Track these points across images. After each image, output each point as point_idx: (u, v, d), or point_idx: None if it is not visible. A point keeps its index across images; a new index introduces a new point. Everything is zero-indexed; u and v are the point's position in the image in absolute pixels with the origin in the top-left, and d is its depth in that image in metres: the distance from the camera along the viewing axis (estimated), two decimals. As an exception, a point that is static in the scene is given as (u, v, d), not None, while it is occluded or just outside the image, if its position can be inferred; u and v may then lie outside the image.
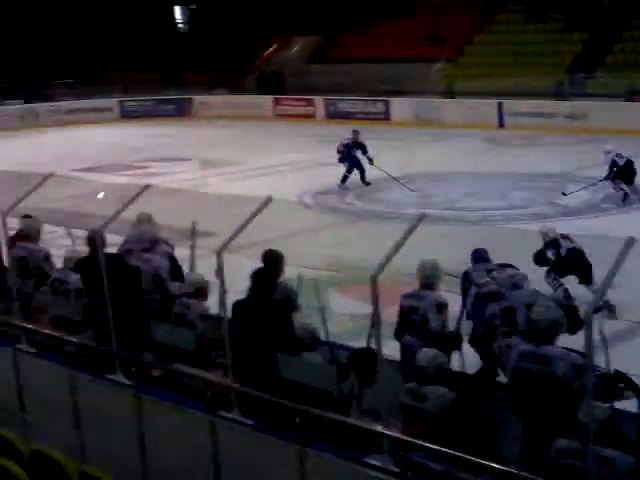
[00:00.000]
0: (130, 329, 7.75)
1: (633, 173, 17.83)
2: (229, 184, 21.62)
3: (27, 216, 9.34)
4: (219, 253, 6.84)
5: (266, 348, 6.88)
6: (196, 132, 35.10)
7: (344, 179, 21.19)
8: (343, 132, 22.68)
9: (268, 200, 6.88)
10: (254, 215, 6.82)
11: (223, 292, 7.22)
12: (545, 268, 11.18)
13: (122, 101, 41.87)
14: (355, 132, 21.48)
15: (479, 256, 9.10)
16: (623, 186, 17.85)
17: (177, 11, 51.93)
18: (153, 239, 8.79)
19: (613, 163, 17.76)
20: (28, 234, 9.19)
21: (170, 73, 43.96)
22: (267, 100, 39.86)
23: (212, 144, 29.86)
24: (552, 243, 11.28)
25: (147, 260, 8.50)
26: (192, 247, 9.22)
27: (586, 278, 10.91)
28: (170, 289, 8.39)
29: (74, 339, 7.41)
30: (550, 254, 11.23)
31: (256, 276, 7.31)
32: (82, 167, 24.64)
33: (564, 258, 11.16)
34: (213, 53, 43.59)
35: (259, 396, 6.43)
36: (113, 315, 7.48)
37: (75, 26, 44.21)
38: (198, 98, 41.76)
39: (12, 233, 9.00)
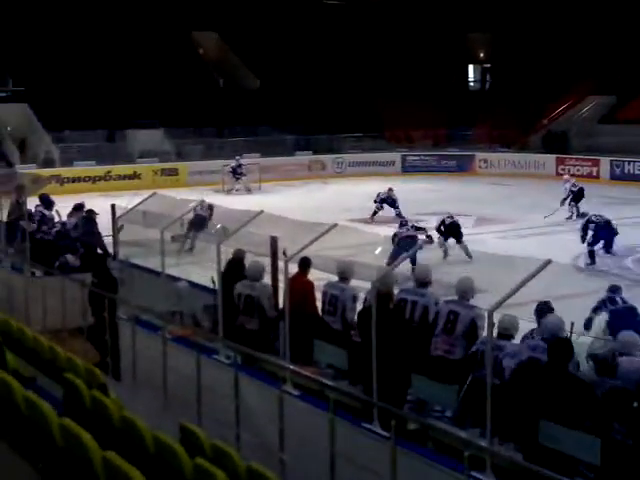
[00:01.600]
0: (393, 380, 7.82)
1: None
2: (503, 242, 21.37)
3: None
4: (492, 312, 6.78)
5: (534, 415, 6.65)
6: (476, 188, 35.06)
7: (374, 214, 26.54)
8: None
9: (546, 263, 6.75)
10: (531, 277, 6.70)
11: (491, 350, 7.10)
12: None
13: (405, 155, 42.75)
14: (390, 190, 26.97)
15: (402, 224, 19.43)
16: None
17: (470, 69, 52.67)
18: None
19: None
20: (343, 275, 9.58)
21: (455, 130, 44.48)
22: (550, 159, 39.18)
23: (491, 201, 29.71)
24: (442, 222, 20.55)
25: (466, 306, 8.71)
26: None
27: (458, 239, 19.93)
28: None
29: (335, 385, 7.55)
30: (441, 227, 20.48)
31: (554, 346, 7.08)
32: (360, 218, 25.33)
33: (448, 226, 20.40)
34: (500, 111, 43.65)
35: (516, 462, 6.24)
36: (379, 365, 7.58)
37: (363, 85, 45.93)
38: (480, 155, 41.83)
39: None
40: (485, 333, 8.03)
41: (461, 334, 8.51)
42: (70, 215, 16.29)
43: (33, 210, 15.85)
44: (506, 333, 7.86)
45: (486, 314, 8.40)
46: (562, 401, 6.63)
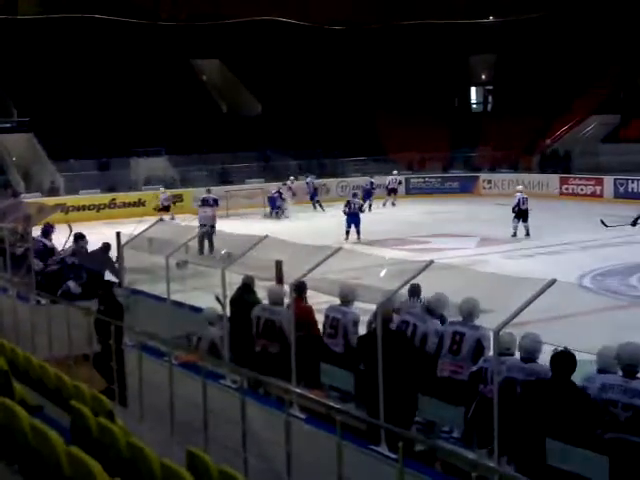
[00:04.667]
0: (399, 402, 7.80)
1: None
2: (507, 261, 21.40)
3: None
4: (498, 332, 6.77)
5: (539, 432, 6.63)
6: (479, 209, 35.11)
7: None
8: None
9: (551, 282, 6.74)
10: (536, 297, 6.69)
11: (497, 373, 7.08)
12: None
13: (408, 178, 42.83)
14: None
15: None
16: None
17: (473, 91, 52.93)
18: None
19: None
20: (345, 298, 9.59)
21: (458, 151, 44.60)
22: (553, 179, 39.28)
23: (494, 221, 29.71)
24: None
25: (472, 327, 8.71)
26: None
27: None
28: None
29: (342, 407, 7.53)
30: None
31: (556, 359, 7.08)
32: (364, 240, 25.37)
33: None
34: (503, 132, 43.79)
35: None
36: (384, 387, 7.56)
37: (366, 109, 46.12)
38: (483, 176, 41.92)
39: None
40: (491, 352, 8.04)
41: (467, 355, 8.49)
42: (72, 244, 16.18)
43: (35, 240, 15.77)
44: (508, 352, 7.85)
45: (491, 334, 8.43)
46: (569, 416, 6.63)
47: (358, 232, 26.70)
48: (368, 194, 35.80)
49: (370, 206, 34.51)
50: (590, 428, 6.70)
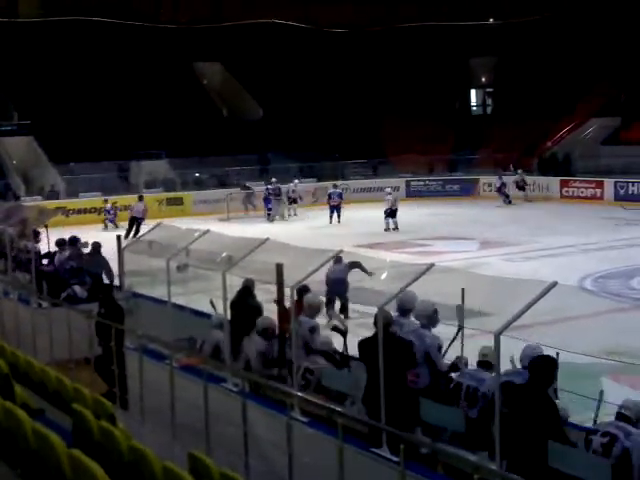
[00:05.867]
0: (400, 405, 7.79)
1: None
2: (509, 264, 21.37)
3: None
4: (499, 335, 6.76)
5: (537, 436, 6.64)
6: (480, 212, 35.11)
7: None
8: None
9: (552, 285, 6.72)
10: (537, 299, 6.67)
11: (498, 375, 7.07)
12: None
13: (409, 181, 42.82)
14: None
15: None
16: None
17: (473, 94, 52.92)
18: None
19: None
20: (308, 306, 9.56)
21: (459, 154, 44.59)
22: (554, 181, 39.27)
23: (495, 224, 29.77)
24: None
25: (420, 336, 8.49)
26: (460, 327, 9.07)
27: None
28: (440, 367, 8.35)
29: (344, 410, 7.54)
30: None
31: (534, 364, 7.07)
32: (366, 243, 25.36)
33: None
34: (503, 134, 43.78)
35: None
36: (385, 390, 7.55)
37: (367, 112, 46.12)
38: (484, 179, 41.90)
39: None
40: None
41: (420, 364, 8.36)
42: (63, 249, 16.08)
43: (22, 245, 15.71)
44: (485, 359, 7.82)
45: (437, 344, 8.37)
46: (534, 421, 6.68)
47: (339, 216, 32.85)
48: (499, 189, 38.40)
49: (508, 197, 37.76)
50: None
